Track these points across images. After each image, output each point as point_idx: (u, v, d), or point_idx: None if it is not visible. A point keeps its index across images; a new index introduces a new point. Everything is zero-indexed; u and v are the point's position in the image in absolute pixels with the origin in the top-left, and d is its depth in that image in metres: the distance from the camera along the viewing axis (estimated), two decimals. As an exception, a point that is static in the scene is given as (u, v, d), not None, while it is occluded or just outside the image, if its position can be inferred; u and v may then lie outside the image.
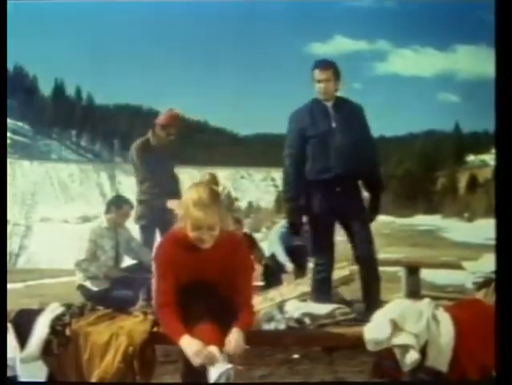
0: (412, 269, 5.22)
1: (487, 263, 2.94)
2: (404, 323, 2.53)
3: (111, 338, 2.57)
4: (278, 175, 61.45)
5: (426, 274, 5.90)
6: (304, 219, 3.73)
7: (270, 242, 5.64)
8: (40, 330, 2.68)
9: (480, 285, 2.98)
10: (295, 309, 3.01)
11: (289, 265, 5.39)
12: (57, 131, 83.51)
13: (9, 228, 17.25)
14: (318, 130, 3.53)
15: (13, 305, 2.89)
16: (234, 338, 2.33)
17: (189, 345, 2.29)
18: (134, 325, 2.65)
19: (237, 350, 2.32)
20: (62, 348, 2.65)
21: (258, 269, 5.10)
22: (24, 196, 25.64)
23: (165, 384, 2.92)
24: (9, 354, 2.60)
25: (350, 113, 3.60)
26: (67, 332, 2.67)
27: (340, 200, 3.53)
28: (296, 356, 3.40)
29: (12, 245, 18.25)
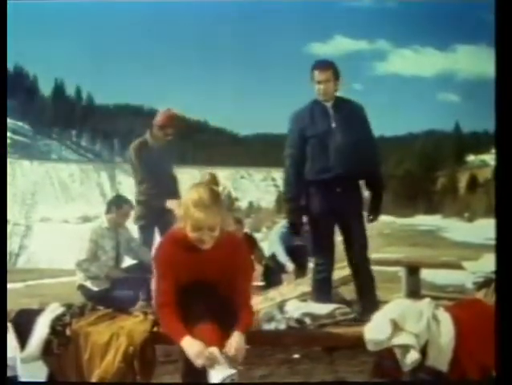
0: (413, 269, 5.21)
1: (487, 263, 2.95)
2: (404, 323, 2.53)
3: (112, 338, 2.58)
4: (278, 175, 61.33)
5: (426, 274, 5.88)
6: (304, 219, 3.73)
7: (271, 242, 5.64)
8: (40, 330, 2.68)
9: (480, 285, 2.99)
10: (295, 309, 3.01)
11: (289, 265, 5.39)
12: (57, 131, 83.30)
13: (9, 228, 17.26)
14: (318, 130, 3.53)
15: (13, 305, 2.89)
16: (236, 341, 2.33)
17: (191, 346, 2.29)
18: (134, 325, 2.65)
19: (239, 354, 2.32)
20: (62, 348, 2.65)
21: (259, 269, 5.10)
22: (24, 196, 25.67)
23: (165, 384, 2.92)
24: (9, 354, 2.60)
25: (350, 113, 3.60)
26: (68, 332, 2.67)
27: (340, 201, 3.53)
28: (296, 356, 3.41)
29: (12, 244, 18.25)
